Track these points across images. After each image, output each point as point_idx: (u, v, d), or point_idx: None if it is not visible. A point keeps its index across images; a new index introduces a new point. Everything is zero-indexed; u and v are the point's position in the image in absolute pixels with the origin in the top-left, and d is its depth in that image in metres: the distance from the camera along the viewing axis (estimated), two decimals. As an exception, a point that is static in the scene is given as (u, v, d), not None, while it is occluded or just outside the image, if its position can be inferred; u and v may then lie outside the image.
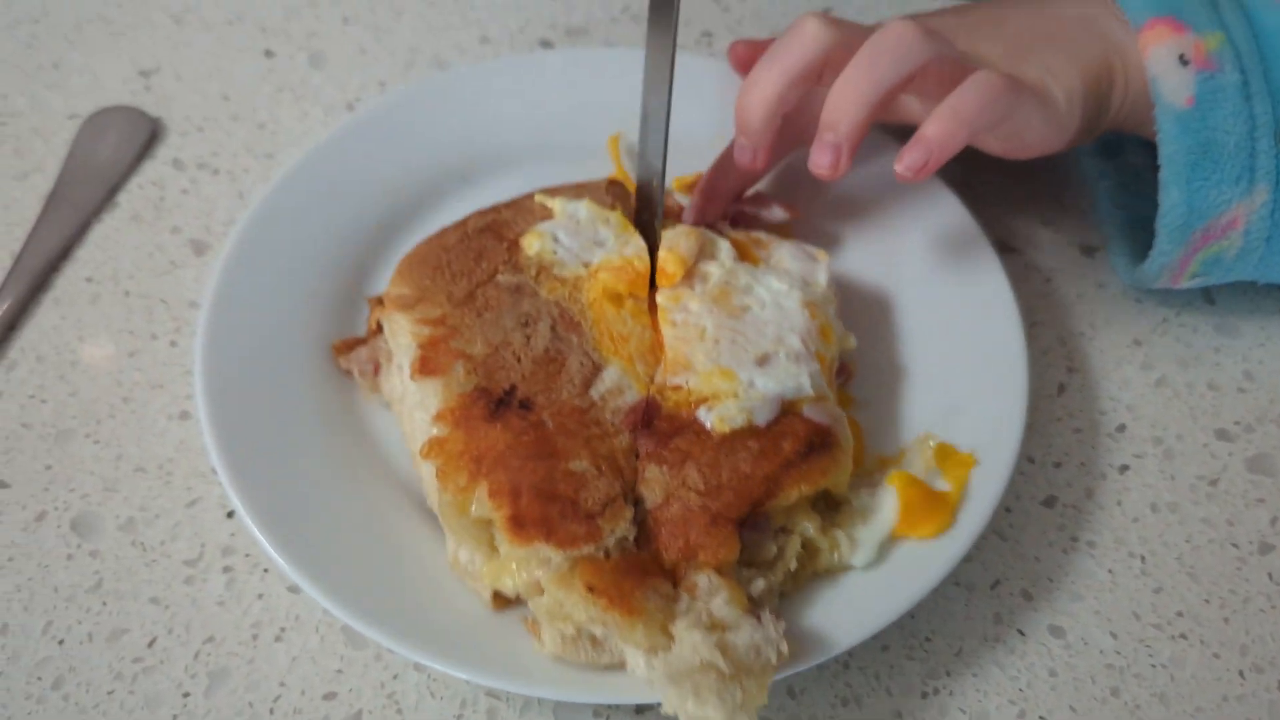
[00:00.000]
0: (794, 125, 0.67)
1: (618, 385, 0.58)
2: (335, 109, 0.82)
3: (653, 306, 0.62)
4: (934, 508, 0.58)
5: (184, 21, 0.87)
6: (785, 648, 0.52)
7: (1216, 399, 0.69)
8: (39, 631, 0.59)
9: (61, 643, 0.58)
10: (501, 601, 0.56)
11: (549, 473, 0.54)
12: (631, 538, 0.54)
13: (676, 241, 0.63)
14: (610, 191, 0.67)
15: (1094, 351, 0.71)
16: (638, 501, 0.55)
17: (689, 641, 0.50)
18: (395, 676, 0.58)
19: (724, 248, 0.64)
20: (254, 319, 0.64)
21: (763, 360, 0.59)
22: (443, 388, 0.58)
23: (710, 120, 0.75)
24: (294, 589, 0.60)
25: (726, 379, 0.58)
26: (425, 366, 0.59)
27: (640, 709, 0.57)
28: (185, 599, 0.60)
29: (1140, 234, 0.70)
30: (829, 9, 0.90)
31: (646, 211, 0.65)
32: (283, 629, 0.59)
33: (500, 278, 0.63)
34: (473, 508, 0.54)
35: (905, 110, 0.67)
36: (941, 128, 0.58)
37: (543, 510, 0.53)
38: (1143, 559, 0.63)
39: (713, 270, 0.63)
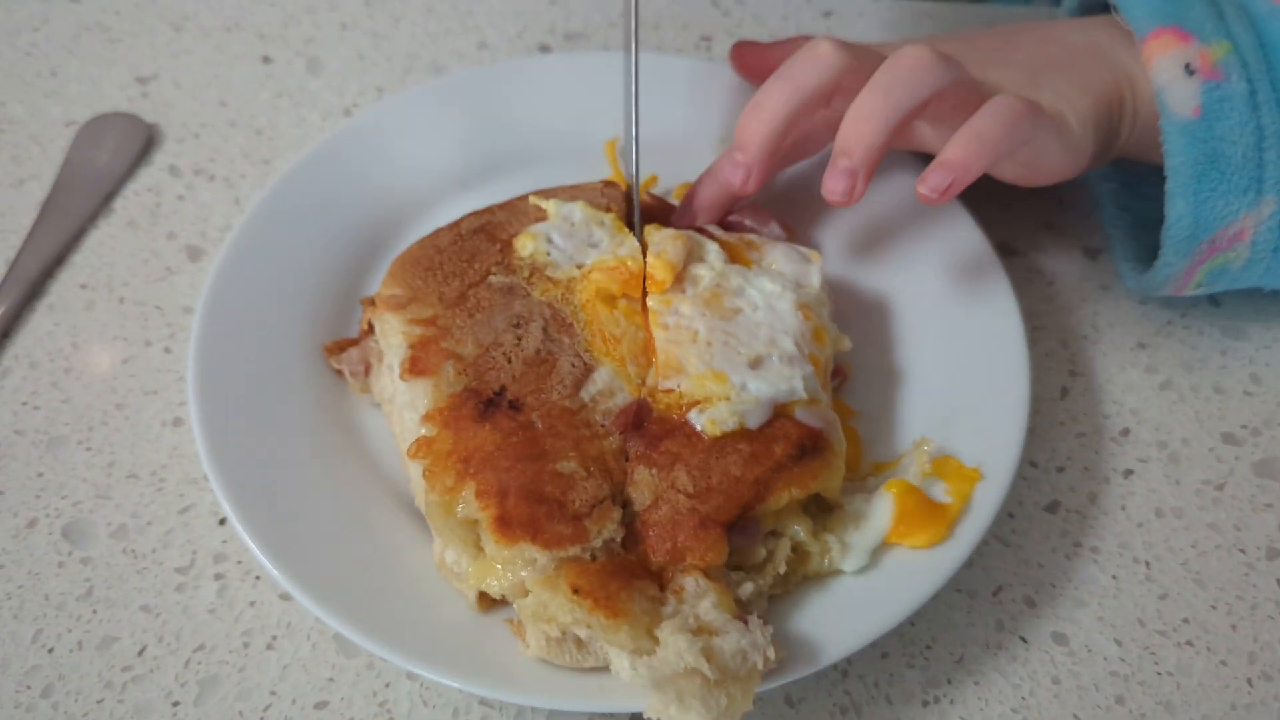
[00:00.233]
0: (788, 143, 0.66)
1: (609, 387, 0.58)
2: (333, 115, 0.82)
3: (645, 308, 0.61)
4: (930, 518, 0.57)
5: (183, 29, 0.87)
6: (773, 653, 0.51)
7: (1222, 402, 0.68)
8: (29, 639, 0.58)
9: (51, 651, 0.58)
10: (487, 603, 0.55)
11: (537, 474, 0.54)
12: (619, 539, 0.53)
13: (664, 247, 0.62)
14: (605, 193, 0.67)
15: (1098, 355, 0.70)
16: (626, 504, 0.54)
17: (674, 646, 0.50)
18: (387, 685, 0.57)
19: (712, 250, 0.63)
20: (247, 325, 0.64)
21: (755, 363, 0.58)
22: (432, 388, 0.57)
23: (709, 124, 0.75)
24: (286, 596, 0.60)
25: (718, 382, 0.57)
26: (415, 367, 0.58)
27: (635, 718, 0.56)
28: (176, 607, 0.59)
29: (1145, 237, 0.70)
30: (829, 11, 0.89)
31: (634, 213, 0.65)
32: (274, 637, 0.58)
33: (493, 278, 0.62)
34: (459, 508, 0.54)
35: (919, 137, 0.66)
36: (965, 151, 0.57)
37: (529, 511, 0.52)
38: (1148, 565, 0.62)
39: (703, 273, 0.62)
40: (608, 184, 0.68)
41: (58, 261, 0.73)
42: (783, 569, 0.55)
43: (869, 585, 0.56)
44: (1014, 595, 0.61)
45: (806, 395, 0.58)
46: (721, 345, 0.59)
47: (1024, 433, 0.60)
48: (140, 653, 0.58)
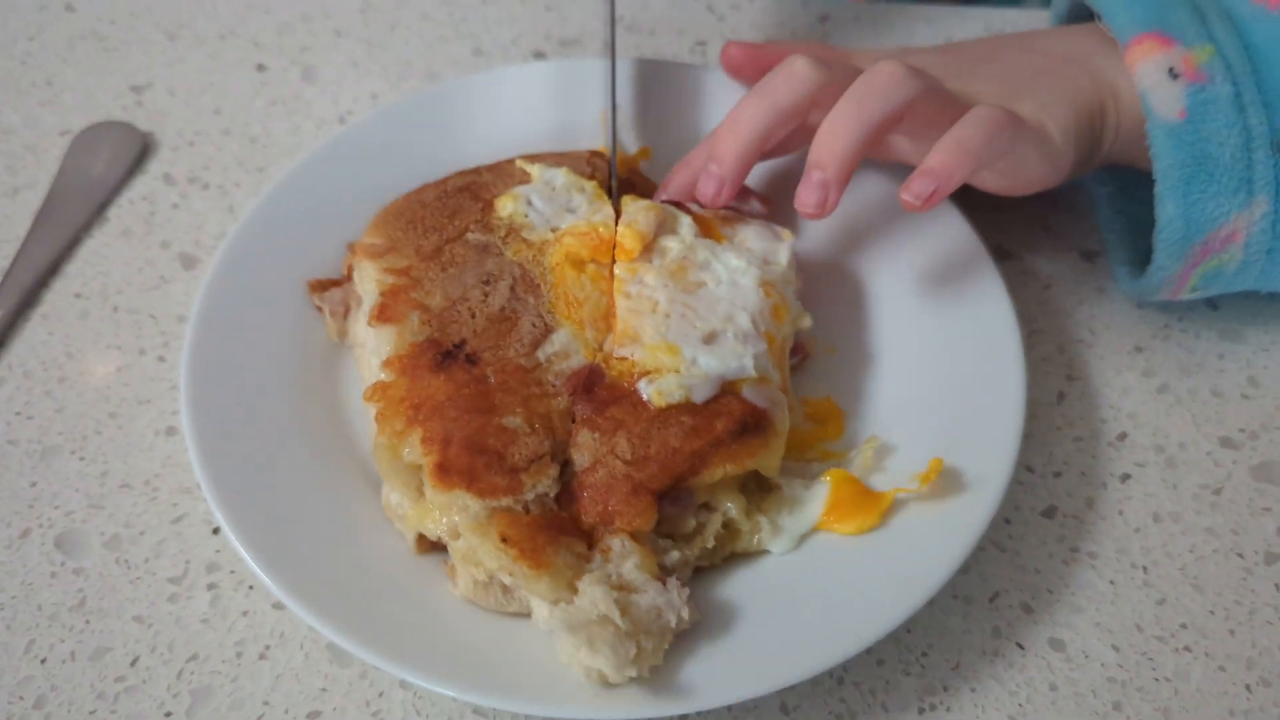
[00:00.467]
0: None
1: (565, 349, 0.59)
2: (327, 122, 0.82)
3: (613, 275, 0.63)
4: (861, 506, 0.58)
5: (177, 37, 0.87)
6: (687, 614, 0.53)
7: (1220, 406, 0.68)
8: (21, 650, 0.58)
9: (44, 662, 0.58)
10: (425, 545, 0.57)
11: (482, 426, 0.56)
12: (553, 496, 0.55)
13: (635, 217, 0.63)
14: (591, 162, 0.69)
15: (1094, 358, 0.70)
16: (567, 463, 0.56)
17: (590, 595, 0.52)
18: (381, 694, 0.57)
19: (685, 223, 0.65)
20: (241, 333, 0.64)
21: (710, 338, 0.59)
22: (396, 335, 0.60)
23: (703, 129, 0.75)
24: (279, 606, 0.59)
25: (670, 354, 0.58)
26: (383, 314, 0.61)
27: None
28: (169, 617, 0.59)
29: (1141, 240, 0.69)
30: (825, 15, 0.89)
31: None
32: (267, 646, 0.58)
33: (470, 236, 0.64)
34: (405, 452, 0.56)
35: (896, 149, 0.67)
36: (947, 158, 0.58)
37: (469, 461, 0.54)
38: (1145, 570, 0.61)
39: (672, 245, 0.63)
40: (595, 154, 0.70)
41: (52, 271, 0.73)
42: (711, 543, 0.57)
43: (863, 591, 0.55)
44: (1011, 601, 0.60)
45: (756, 374, 0.59)
46: (679, 318, 0.60)
47: (1020, 437, 0.60)
48: (133, 663, 0.58)
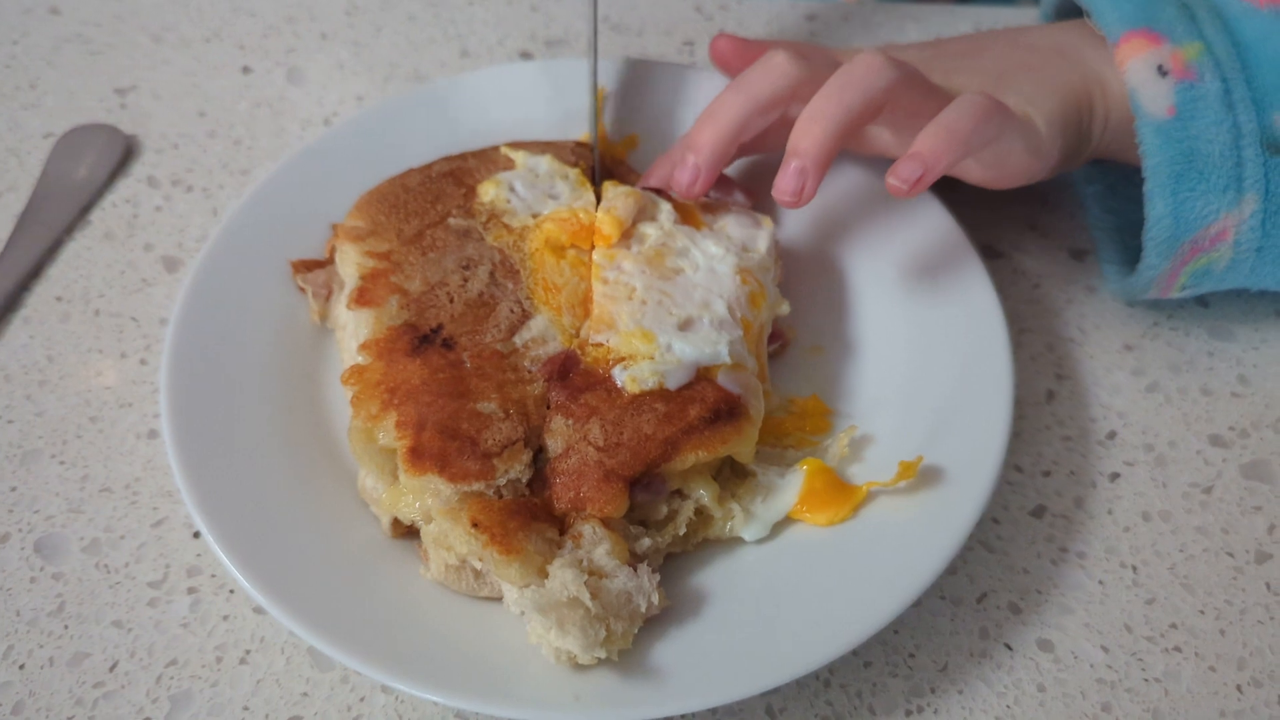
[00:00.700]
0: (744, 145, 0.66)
1: (542, 335, 0.59)
2: (313, 124, 0.81)
3: (591, 261, 0.63)
4: (835, 498, 0.58)
5: (162, 40, 0.87)
6: (657, 599, 0.53)
7: (1210, 404, 0.67)
8: (0, 656, 0.57)
9: (22, 667, 0.57)
10: (400, 529, 0.57)
11: (456, 410, 0.55)
12: (525, 480, 0.55)
13: (614, 203, 0.63)
14: (575, 151, 0.69)
15: (1084, 357, 0.69)
16: (541, 449, 0.56)
17: (560, 577, 0.52)
18: (362, 699, 0.56)
19: (664, 209, 0.65)
20: (222, 336, 0.63)
21: (685, 324, 0.59)
22: (374, 319, 0.60)
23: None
24: (260, 610, 0.59)
25: (646, 340, 0.58)
26: (362, 297, 0.60)
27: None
28: (148, 621, 0.58)
29: (1131, 239, 0.69)
30: (813, 15, 0.89)
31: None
32: (248, 651, 0.58)
33: (451, 220, 0.64)
34: (380, 436, 0.56)
35: (877, 142, 0.66)
36: (935, 143, 0.57)
37: (442, 445, 0.54)
38: (1134, 569, 0.61)
39: (651, 231, 0.63)
40: (580, 143, 0.70)
41: (34, 274, 0.72)
42: (683, 530, 0.57)
43: (849, 591, 0.55)
44: (999, 602, 0.60)
45: (731, 360, 0.58)
46: (655, 305, 0.60)
47: (1008, 437, 0.59)
48: (112, 668, 0.57)
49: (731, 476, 0.59)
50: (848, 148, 0.68)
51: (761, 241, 0.64)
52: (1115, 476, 0.64)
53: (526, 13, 0.89)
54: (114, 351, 0.69)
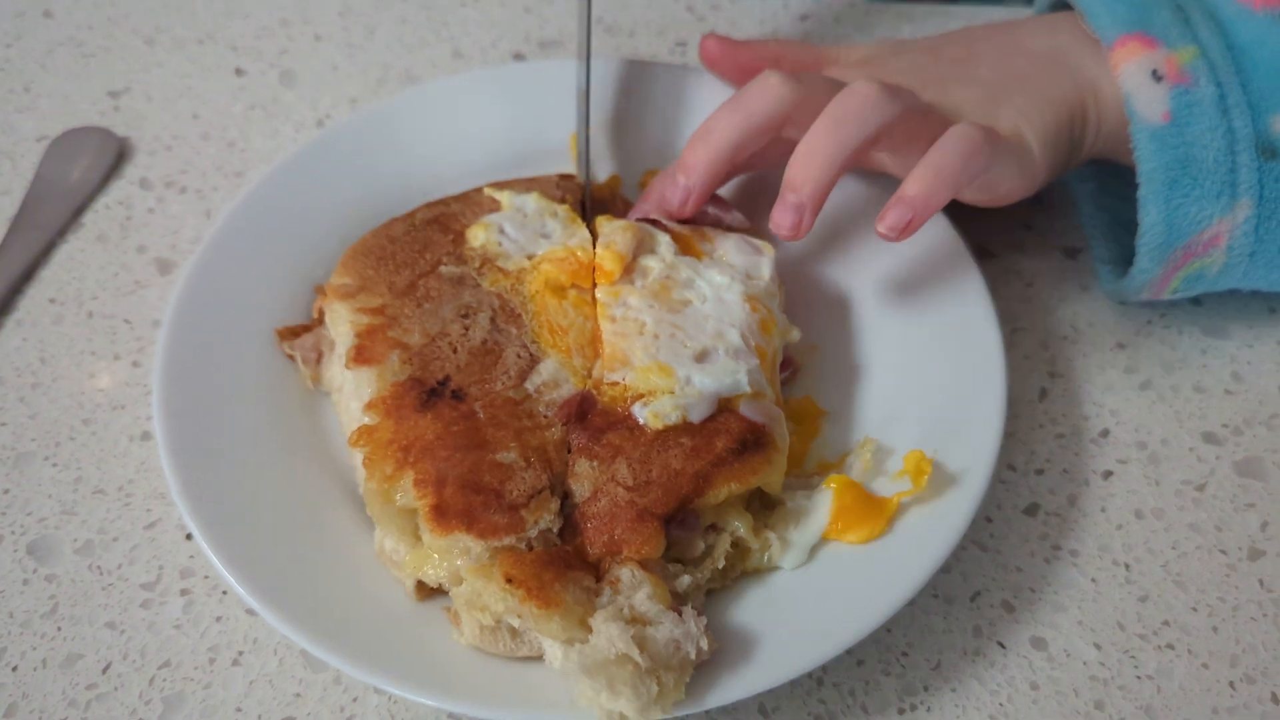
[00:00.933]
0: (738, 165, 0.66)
1: (554, 378, 0.58)
2: (306, 126, 0.81)
3: (594, 299, 0.61)
4: (868, 513, 0.56)
5: (155, 42, 0.87)
6: (706, 644, 0.51)
7: (1203, 402, 0.67)
8: (-8, 659, 0.57)
9: (15, 669, 0.57)
10: (425, 591, 0.55)
11: (476, 463, 0.54)
12: (556, 530, 0.53)
13: (612, 238, 0.62)
14: (560, 186, 0.67)
15: (1077, 355, 0.69)
16: (566, 495, 0.54)
17: (606, 633, 0.50)
18: (355, 700, 0.56)
19: (663, 241, 0.63)
20: (214, 338, 0.63)
21: (701, 356, 0.58)
22: (376, 377, 0.58)
23: (681, 129, 0.75)
24: (252, 612, 0.59)
25: (664, 375, 0.57)
26: (361, 355, 0.59)
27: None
28: (142, 623, 0.58)
29: (1124, 236, 0.69)
30: (805, 15, 0.89)
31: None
32: (240, 652, 0.58)
33: (443, 269, 0.63)
34: (398, 497, 0.54)
35: (873, 161, 0.66)
36: (924, 186, 0.57)
37: (466, 501, 0.52)
38: (1127, 567, 0.61)
39: (653, 264, 0.62)
40: (563, 177, 0.68)
41: (27, 276, 0.72)
42: (721, 564, 0.55)
43: (842, 591, 0.55)
44: (992, 600, 0.60)
45: (751, 389, 0.57)
46: (668, 338, 0.59)
47: (1001, 435, 0.59)
48: (105, 670, 0.57)
49: (760, 508, 0.58)
50: None
51: (764, 268, 0.63)
52: (1108, 474, 0.64)
53: (519, 14, 0.89)
54: (107, 354, 0.69)
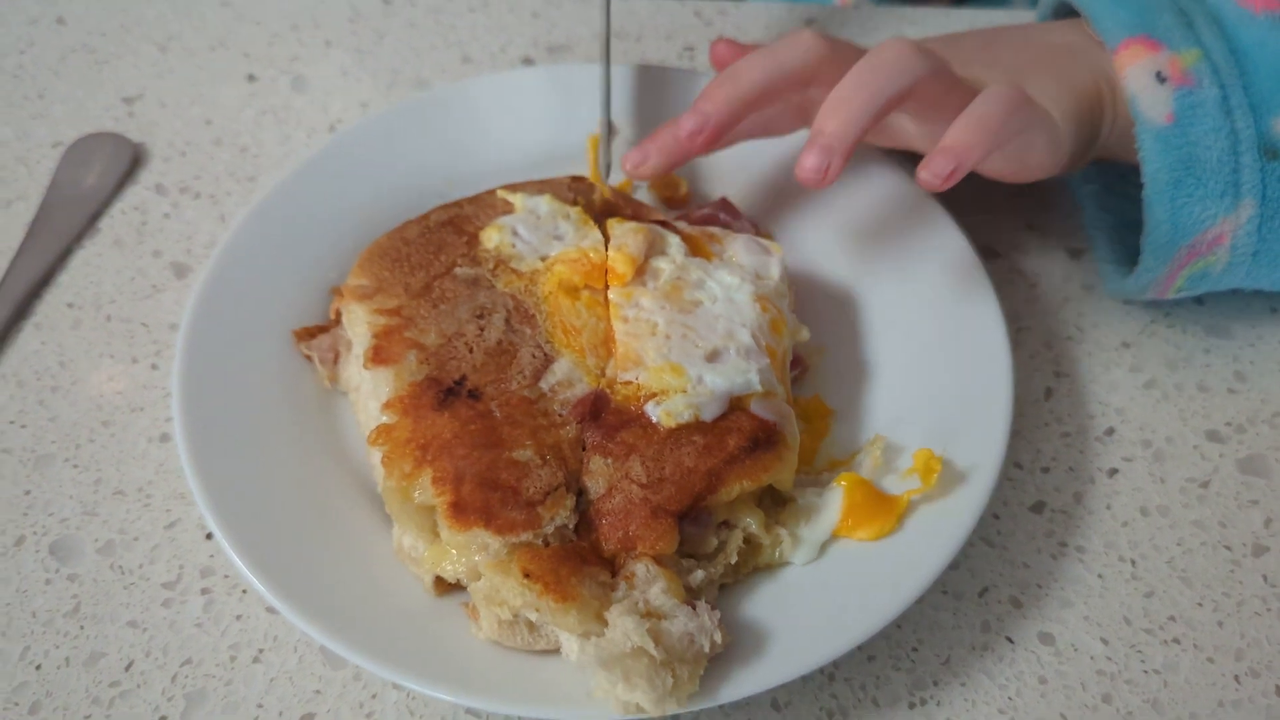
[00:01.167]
0: (752, 121, 0.67)
1: (568, 377, 0.59)
2: (318, 132, 0.82)
3: (607, 300, 0.62)
4: (878, 511, 0.57)
5: (168, 49, 0.88)
6: (720, 637, 0.52)
7: (1207, 400, 0.68)
8: (16, 656, 0.58)
9: (39, 667, 0.58)
10: (443, 587, 0.56)
11: (493, 461, 0.55)
12: (572, 526, 0.55)
13: (624, 240, 0.63)
14: (572, 188, 0.68)
15: (1082, 355, 0.70)
16: (581, 492, 0.56)
17: (622, 627, 0.51)
18: (374, 696, 0.57)
19: (674, 242, 0.64)
20: (232, 340, 0.64)
21: (713, 356, 0.59)
22: (394, 376, 0.59)
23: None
24: (272, 610, 0.60)
25: (676, 375, 0.58)
26: (378, 355, 0.60)
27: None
28: (163, 622, 0.59)
29: (1128, 237, 0.70)
30: (811, 19, 0.90)
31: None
32: (261, 650, 0.58)
33: (458, 270, 0.64)
34: (416, 494, 0.55)
35: (899, 133, 0.66)
36: (968, 135, 0.56)
37: (484, 497, 0.53)
38: (1133, 563, 0.62)
39: (664, 266, 0.63)
40: (575, 179, 0.70)
41: (44, 281, 0.73)
42: (734, 559, 0.56)
43: (853, 588, 0.56)
44: (1000, 596, 0.60)
45: (762, 388, 0.58)
46: (680, 338, 0.60)
47: (1008, 434, 0.60)
48: (127, 668, 0.58)
49: (771, 504, 0.59)
50: (867, 139, 0.67)
51: (773, 268, 0.64)
52: (1114, 472, 0.65)
53: (528, 19, 0.90)
54: (125, 357, 0.70)
